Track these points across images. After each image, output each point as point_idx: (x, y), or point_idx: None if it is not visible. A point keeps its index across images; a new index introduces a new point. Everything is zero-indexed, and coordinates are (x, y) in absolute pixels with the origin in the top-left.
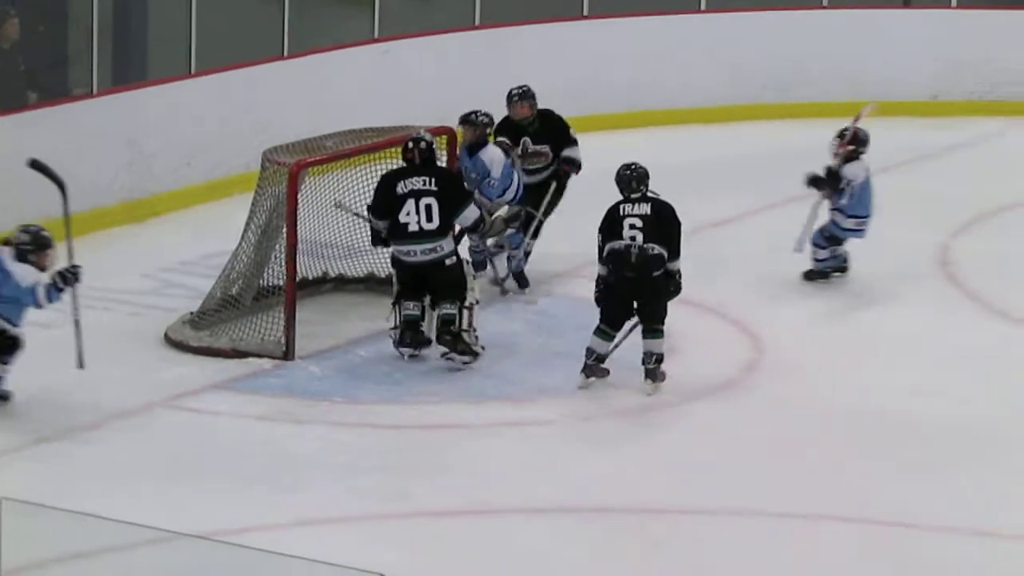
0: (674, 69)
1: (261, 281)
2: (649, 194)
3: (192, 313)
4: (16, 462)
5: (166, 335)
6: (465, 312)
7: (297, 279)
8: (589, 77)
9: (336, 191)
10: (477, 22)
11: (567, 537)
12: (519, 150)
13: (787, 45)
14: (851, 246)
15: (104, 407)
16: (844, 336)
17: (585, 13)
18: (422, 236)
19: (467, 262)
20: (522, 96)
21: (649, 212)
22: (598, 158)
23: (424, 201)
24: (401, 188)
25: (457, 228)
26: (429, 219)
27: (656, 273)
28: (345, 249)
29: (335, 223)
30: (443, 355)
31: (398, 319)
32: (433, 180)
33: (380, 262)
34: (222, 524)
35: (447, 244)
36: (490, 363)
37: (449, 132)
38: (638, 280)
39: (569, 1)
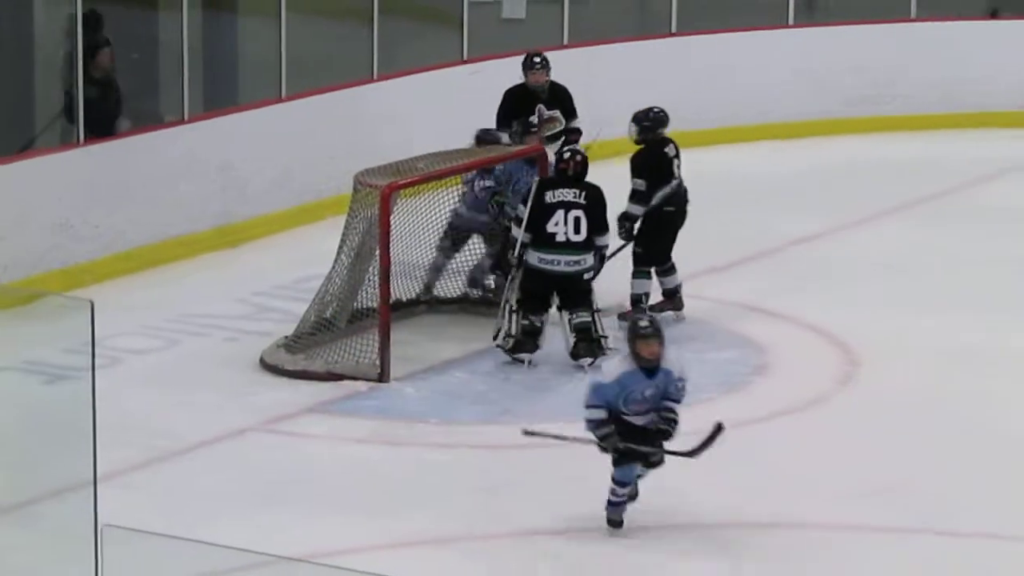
0: (762, 84)
1: (355, 304)
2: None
3: (287, 337)
4: (115, 488)
5: (261, 359)
6: (596, 317)
7: (391, 301)
8: (677, 94)
9: (428, 213)
10: (565, 41)
11: (668, 553)
12: (535, 117)
13: (875, 58)
14: None
15: (201, 432)
16: (939, 350)
17: (673, 30)
18: (568, 247)
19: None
20: (543, 64)
21: (678, 151)
22: (690, 176)
23: (573, 213)
24: (550, 197)
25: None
26: (577, 231)
27: None
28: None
29: (428, 244)
30: (589, 365)
31: (515, 327)
32: (584, 194)
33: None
34: (320, 547)
35: (590, 259)
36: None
37: (540, 150)
38: (681, 214)
39: (657, 19)
